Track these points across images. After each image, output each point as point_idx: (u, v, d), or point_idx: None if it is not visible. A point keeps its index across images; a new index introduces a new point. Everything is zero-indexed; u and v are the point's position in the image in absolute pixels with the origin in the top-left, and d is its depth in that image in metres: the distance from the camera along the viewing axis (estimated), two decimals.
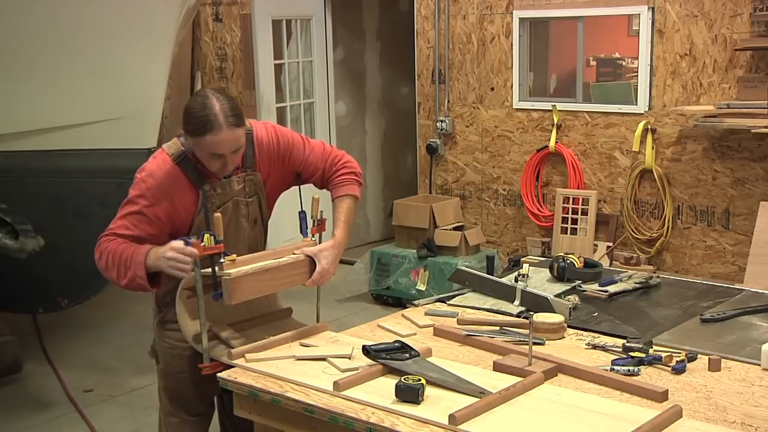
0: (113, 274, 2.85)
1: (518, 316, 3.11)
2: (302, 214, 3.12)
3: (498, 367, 2.63)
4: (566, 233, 6.36)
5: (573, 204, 6.34)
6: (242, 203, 3.03)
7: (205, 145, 2.79)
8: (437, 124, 7.07)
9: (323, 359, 2.73)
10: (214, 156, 2.81)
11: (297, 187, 3.18)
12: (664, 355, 2.66)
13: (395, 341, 2.69)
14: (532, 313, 3.04)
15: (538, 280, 3.48)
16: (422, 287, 6.23)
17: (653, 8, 5.92)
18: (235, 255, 2.83)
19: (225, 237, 2.88)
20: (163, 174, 2.87)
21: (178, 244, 2.74)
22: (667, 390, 2.44)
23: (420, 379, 2.41)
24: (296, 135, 3.17)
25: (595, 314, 3.14)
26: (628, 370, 2.58)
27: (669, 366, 2.63)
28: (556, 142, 6.44)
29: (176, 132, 2.98)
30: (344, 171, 3.16)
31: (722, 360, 2.65)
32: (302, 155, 3.12)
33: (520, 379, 2.50)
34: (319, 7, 7.57)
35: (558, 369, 2.61)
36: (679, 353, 2.70)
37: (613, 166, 6.29)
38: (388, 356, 2.60)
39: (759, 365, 2.63)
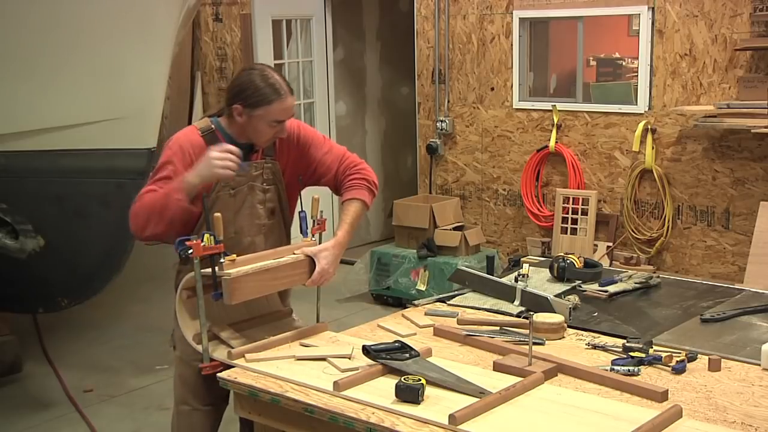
0: (150, 224, 2.89)
1: (518, 316, 3.11)
2: (302, 214, 3.13)
3: (498, 367, 2.63)
4: (566, 233, 6.36)
5: (573, 204, 6.34)
6: (258, 189, 3.08)
7: (271, 113, 2.95)
8: (437, 124, 7.07)
9: (323, 359, 2.73)
10: (274, 123, 2.97)
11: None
12: (664, 355, 2.66)
13: (395, 341, 2.70)
14: (532, 313, 3.05)
15: (538, 280, 3.48)
16: (422, 287, 6.23)
17: (653, 8, 5.92)
18: (234, 255, 2.83)
19: (238, 221, 2.97)
20: (189, 144, 2.98)
21: (217, 146, 2.86)
22: (667, 390, 2.44)
23: (420, 379, 2.41)
24: (318, 134, 3.27)
25: (595, 314, 3.14)
26: (628, 370, 2.58)
27: (669, 366, 2.63)
28: (556, 142, 6.44)
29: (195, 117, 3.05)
30: (357, 176, 3.19)
31: (722, 360, 2.65)
32: (319, 153, 3.18)
33: (520, 379, 2.50)
34: (319, 7, 7.57)
35: (558, 369, 2.61)
36: (679, 353, 2.70)
37: (613, 166, 6.29)
38: (388, 356, 2.61)
39: (759, 365, 2.64)
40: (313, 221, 3.11)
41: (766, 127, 5.27)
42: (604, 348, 2.81)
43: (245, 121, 2.98)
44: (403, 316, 3.22)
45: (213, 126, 3.05)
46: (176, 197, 2.84)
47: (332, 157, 3.20)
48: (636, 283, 3.46)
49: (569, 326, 3.00)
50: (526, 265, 3.49)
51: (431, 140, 7.14)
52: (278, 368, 2.69)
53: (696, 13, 5.75)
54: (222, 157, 2.82)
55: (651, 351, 2.69)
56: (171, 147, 2.99)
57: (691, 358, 2.67)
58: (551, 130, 6.47)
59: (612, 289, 3.38)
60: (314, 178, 3.21)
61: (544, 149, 6.52)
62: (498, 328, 2.99)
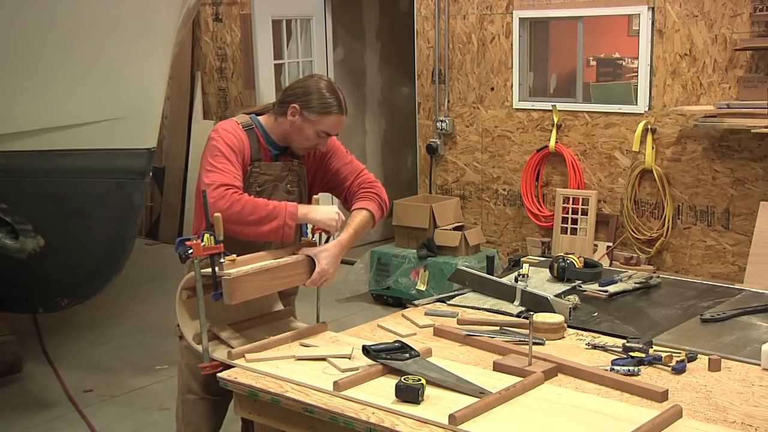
0: (248, 219, 2.92)
1: (518, 316, 3.11)
2: None
3: (498, 367, 2.63)
4: (566, 233, 6.36)
5: (573, 204, 6.34)
6: (282, 189, 3.14)
7: (324, 124, 3.07)
8: (437, 124, 7.07)
9: (323, 359, 2.73)
10: (322, 134, 3.09)
11: None
12: (664, 355, 2.66)
13: (395, 341, 2.70)
14: (532, 313, 3.05)
15: (538, 280, 3.48)
16: (422, 287, 6.23)
17: (653, 8, 5.92)
18: (234, 255, 2.83)
19: None
20: (234, 132, 3.08)
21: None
22: (667, 390, 2.44)
23: (420, 379, 2.41)
24: (342, 146, 3.35)
25: (595, 314, 3.14)
26: (628, 370, 2.58)
27: (669, 366, 2.63)
28: (556, 142, 6.44)
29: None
30: (371, 191, 3.25)
31: (722, 360, 2.65)
32: (340, 162, 3.27)
33: (520, 379, 2.50)
34: (319, 7, 7.57)
35: (558, 369, 2.61)
36: (679, 353, 2.70)
37: (613, 166, 6.29)
38: (388, 356, 2.61)
39: (759, 365, 2.64)
40: None
41: (766, 127, 5.27)
42: (604, 348, 2.81)
43: (296, 123, 3.06)
44: (403, 316, 3.22)
45: (252, 123, 3.12)
46: (290, 224, 2.95)
47: (351, 169, 3.28)
48: (636, 283, 3.46)
49: (569, 326, 3.00)
50: (526, 265, 3.49)
51: (431, 140, 7.14)
52: (278, 368, 2.69)
53: (696, 13, 5.75)
54: (339, 218, 3.02)
55: (651, 351, 2.69)
56: (222, 135, 3.04)
57: (691, 358, 2.67)
58: (551, 130, 6.47)
59: (612, 289, 3.38)
60: (328, 185, 3.30)
61: (544, 149, 6.52)
62: (498, 328, 2.99)
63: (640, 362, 2.64)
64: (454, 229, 6.41)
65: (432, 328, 3.03)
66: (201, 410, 3.15)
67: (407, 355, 2.62)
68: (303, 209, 3.01)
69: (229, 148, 3.01)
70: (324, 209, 3.04)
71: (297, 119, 3.06)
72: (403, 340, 2.76)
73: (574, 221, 6.33)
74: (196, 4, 5.27)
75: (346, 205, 3.29)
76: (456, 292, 3.44)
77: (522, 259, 3.92)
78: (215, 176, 2.96)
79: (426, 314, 3.21)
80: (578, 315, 3.12)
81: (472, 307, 3.25)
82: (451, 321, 3.11)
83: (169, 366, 5.13)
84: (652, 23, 5.94)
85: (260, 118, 3.17)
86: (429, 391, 2.41)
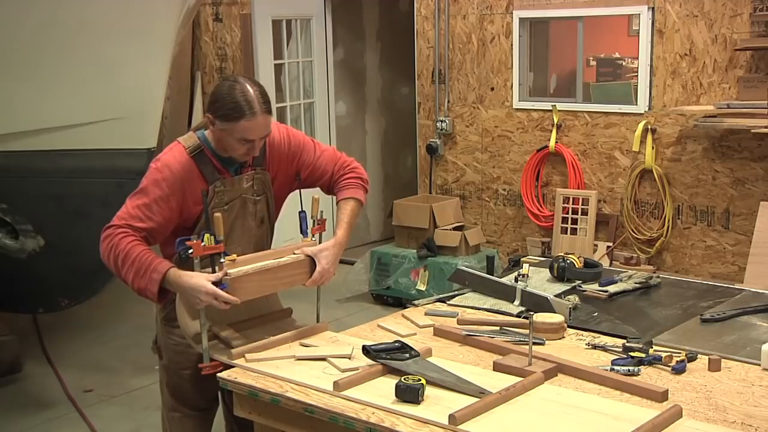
0: (122, 272, 2.80)
1: (518, 316, 3.11)
2: (302, 214, 3.13)
3: (498, 367, 2.63)
4: (566, 233, 6.36)
5: (573, 204, 6.34)
6: (250, 201, 3.05)
7: (237, 130, 2.80)
8: (437, 124, 7.07)
9: (323, 359, 2.73)
10: (243, 141, 2.83)
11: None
12: (664, 355, 2.66)
13: (395, 341, 2.70)
14: (532, 313, 3.04)
15: (538, 280, 3.48)
16: (422, 287, 6.23)
17: (653, 8, 5.92)
18: (235, 255, 2.83)
19: (231, 235, 2.94)
20: (178, 165, 2.88)
21: (214, 289, 2.70)
22: (667, 390, 2.44)
23: (420, 379, 2.41)
24: (308, 138, 3.21)
25: (595, 314, 3.14)
26: (628, 370, 2.59)
27: (669, 366, 2.63)
28: (556, 142, 6.44)
29: (189, 128, 3.00)
30: (351, 175, 3.19)
31: (722, 360, 2.65)
32: (312, 157, 3.15)
33: (520, 379, 2.50)
34: (319, 7, 7.57)
35: (558, 369, 2.61)
36: (679, 353, 2.70)
37: (613, 166, 6.29)
38: (388, 356, 2.61)
39: (759, 365, 2.64)
40: (313, 221, 3.11)
41: (766, 127, 5.27)
42: (604, 348, 2.81)
43: (216, 133, 2.88)
44: (403, 316, 3.22)
45: (200, 142, 2.93)
46: (151, 290, 2.74)
47: (326, 159, 3.17)
48: (636, 283, 3.46)
49: (569, 326, 3.00)
50: (526, 265, 3.49)
51: (431, 140, 7.14)
52: (278, 368, 2.69)
53: (696, 13, 5.75)
54: (207, 300, 2.71)
55: (651, 351, 2.70)
56: (160, 170, 2.86)
57: (691, 358, 2.67)
58: (551, 130, 6.47)
59: (612, 289, 3.38)
60: (309, 181, 3.19)
61: (544, 149, 6.52)
62: (498, 328, 2.99)
63: (640, 362, 2.64)
64: (454, 229, 6.41)
65: (432, 328, 3.03)
66: (188, 426, 3.15)
67: (407, 355, 2.62)
68: (172, 277, 2.73)
69: (156, 187, 2.83)
70: (192, 289, 2.71)
71: (216, 129, 2.85)
72: (403, 340, 2.76)
73: (574, 221, 6.33)
74: (196, 4, 5.26)
75: (330, 192, 3.23)
76: (456, 292, 3.44)
77: (522, 259, 3.92)
78: (120, 212, 2.85)
79: (426, 314, 3.21)
80: (578, 315, 3.12)
81: (472, 307, 3.25)
82: (451, 321, 3.11)
83: None
84: (652, 23, 5.94)
85: (206, 132, 2.95)
86: (429, 391, 2.41)
